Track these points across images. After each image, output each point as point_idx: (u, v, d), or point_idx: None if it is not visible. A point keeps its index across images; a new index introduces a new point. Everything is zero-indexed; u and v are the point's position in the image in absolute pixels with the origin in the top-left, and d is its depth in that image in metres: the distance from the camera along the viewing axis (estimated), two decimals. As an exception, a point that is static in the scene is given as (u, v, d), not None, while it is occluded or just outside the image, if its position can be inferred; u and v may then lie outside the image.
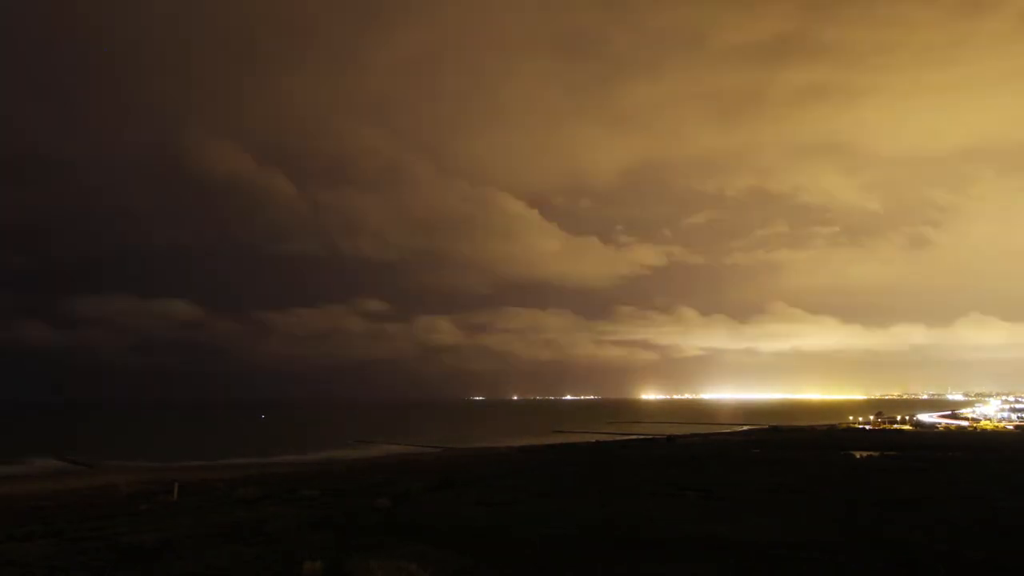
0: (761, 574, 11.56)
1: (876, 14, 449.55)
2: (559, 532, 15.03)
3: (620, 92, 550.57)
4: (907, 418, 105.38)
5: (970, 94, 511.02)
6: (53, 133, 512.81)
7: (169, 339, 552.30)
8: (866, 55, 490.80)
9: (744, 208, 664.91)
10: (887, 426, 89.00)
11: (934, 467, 30.71)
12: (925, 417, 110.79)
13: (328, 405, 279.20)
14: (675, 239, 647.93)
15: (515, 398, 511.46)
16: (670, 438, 63.41)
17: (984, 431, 76.97)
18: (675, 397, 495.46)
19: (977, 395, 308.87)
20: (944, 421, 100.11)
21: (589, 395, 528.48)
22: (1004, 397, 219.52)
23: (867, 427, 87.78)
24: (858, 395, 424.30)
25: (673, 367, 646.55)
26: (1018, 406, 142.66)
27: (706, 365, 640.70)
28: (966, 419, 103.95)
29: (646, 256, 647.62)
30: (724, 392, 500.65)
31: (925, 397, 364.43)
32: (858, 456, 38.12)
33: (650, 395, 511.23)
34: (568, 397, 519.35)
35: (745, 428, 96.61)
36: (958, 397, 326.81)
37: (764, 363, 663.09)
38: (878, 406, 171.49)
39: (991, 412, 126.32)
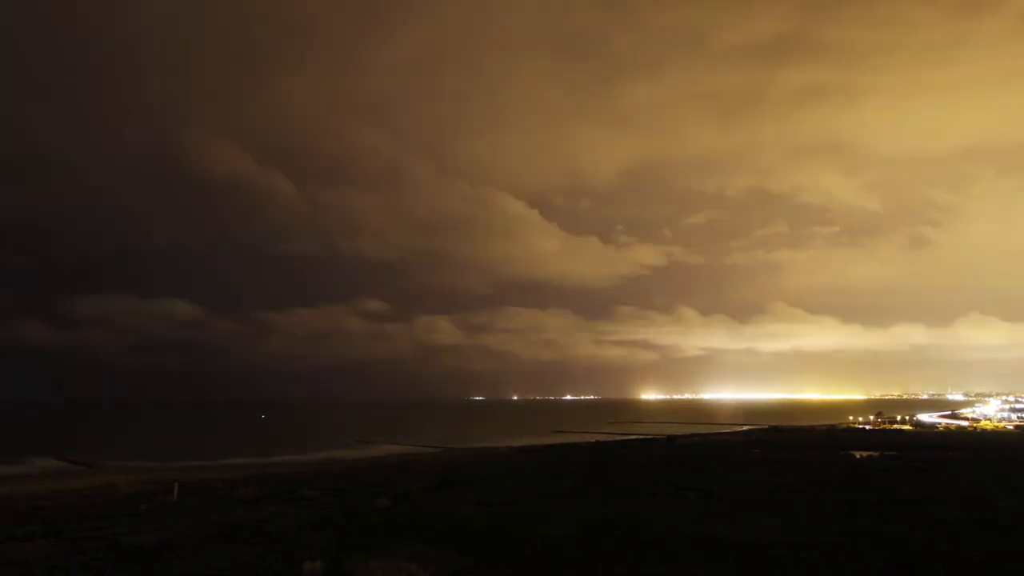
0: (761, 574, 11.56)
1: (876, 14, 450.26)
2: (559, 532, 15.03)
3: (620, 92, 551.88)
4: (907, 418, 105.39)
5: (970, 94, 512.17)
6: (53, 133, 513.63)
7: (169, 339, 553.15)
8: (866, 55, 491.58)
9: (744, 208, 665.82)
10: (887, 426, 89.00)
11: (934, 467, 30.71)
12: (925, 417, 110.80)
13: (328, 405, 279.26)
14: (675, 239, 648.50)
15: (515, 398, 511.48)
16: (670, 438, 63.41)
17: (984, 431, 76.97)
18: (675, 397, 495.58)
19: (977, 395, 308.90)
20: (944, 421, 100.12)
21: (589, 395, 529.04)
22: (1004, 397, 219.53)
23: (867, 427, 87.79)
24: (858, 395, 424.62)
25: (673, 367, 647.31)
26: (1018, 406, 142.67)
27: (706, 365, 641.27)
28: (966, 419, 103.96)
29: (646, 256, 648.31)
30: (724, 392, 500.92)
31: (925, 397, 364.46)
32: (858, 456, 38.12)
33: (650, 395, 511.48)
34: (568, 397, 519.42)
35: (745, 428, 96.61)
36: (958, 397, 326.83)
37: (764, 363, 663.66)
38: (878, 406, 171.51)
39: (991, 412, 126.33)
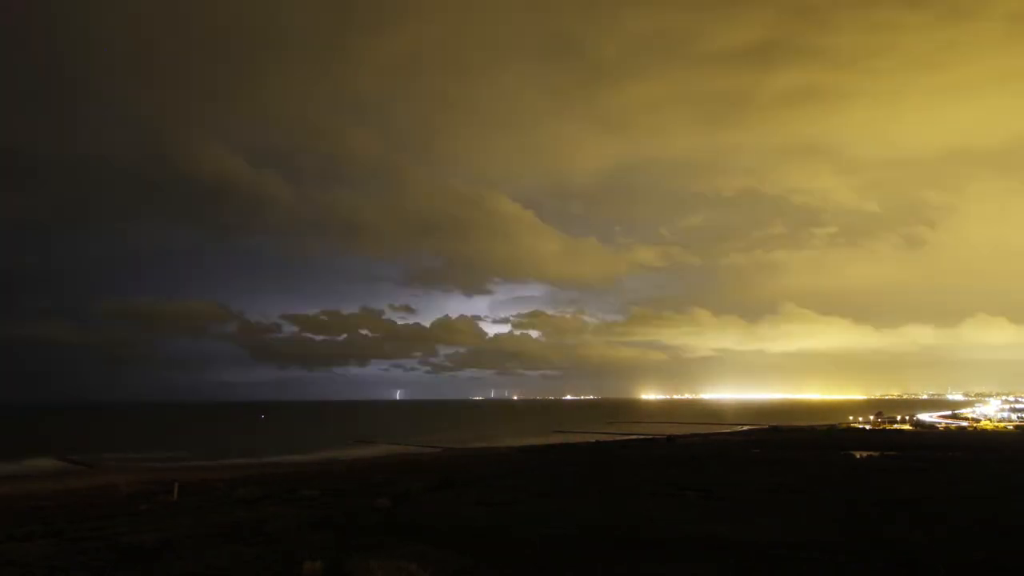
0: (761, 574, 11.56)
1: (865, 19, 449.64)
2: (559, 532, 15.04)
3: (606, 94, 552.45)
4: (907, 418, 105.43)
5: (960, 96, 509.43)
6: (51, 133, 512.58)
7: (169, 339, 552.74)
8: (856, 59, 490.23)
9: (739, 209, 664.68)
10: (887, 426, 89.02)
11: (934, 467, 30.72)
12: (925, 417, 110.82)
13: (329, 405, 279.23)
14: (674, 239, 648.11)
15: (515, 398, 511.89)
16: (670, 438, 63.39)
17: (984, 431, 76.97)
18: (675, 397, 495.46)
19: (977, 395, 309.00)
20: (944, 421, 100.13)
21: (589, 395, 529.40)
22: (1004, 397, 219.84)
23: (867, 427, 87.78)
24: (858, 395, 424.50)
25: (675, 368, 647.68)
26: (1018, 406, 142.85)
27: (711, 366, 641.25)
28: (966, 419, 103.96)
29: (647, 257, 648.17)
30: (724, 392, 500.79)
31: (925, 397, 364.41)
32: (858, 456, 38.12)
33: (650, 395, 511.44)
34: (568, 397, 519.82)
35: (745, 428, 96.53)
36: (958, 397, 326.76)
37: (766, 364, 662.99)
38: (878, 406, 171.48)
39: (991, 412, 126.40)
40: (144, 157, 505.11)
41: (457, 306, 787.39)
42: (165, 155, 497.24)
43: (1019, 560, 12.58)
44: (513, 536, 14.65)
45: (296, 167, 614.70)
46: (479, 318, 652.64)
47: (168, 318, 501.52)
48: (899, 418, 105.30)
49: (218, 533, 15.32)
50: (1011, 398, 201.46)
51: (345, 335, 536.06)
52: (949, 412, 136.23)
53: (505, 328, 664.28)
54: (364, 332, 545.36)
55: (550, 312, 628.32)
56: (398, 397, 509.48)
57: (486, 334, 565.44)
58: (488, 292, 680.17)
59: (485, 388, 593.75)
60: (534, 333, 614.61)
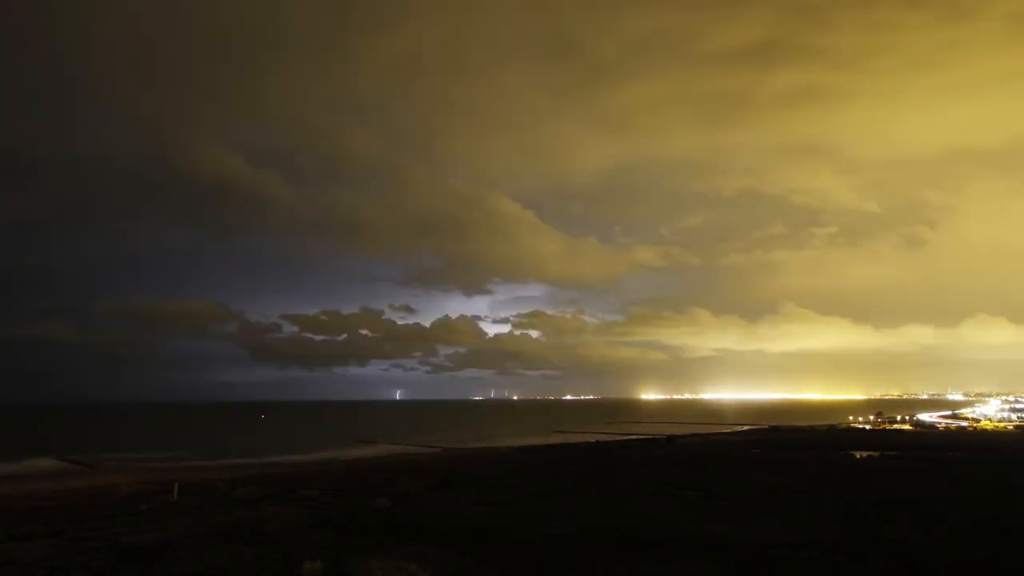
0: (761, 574, 11.56)
1: (864, 19, 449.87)
2: (559, 532, 15.04)
3: (606, 95, 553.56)
4: (907, 418, 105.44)
5: (959, 96, 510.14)
6: (51, 133, 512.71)
7: (169, 339, 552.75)
8: (856, 59, 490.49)
9: (739, 209, 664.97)
10: (887, 426, 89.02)
11: (934, 467, 30.72)
12: (925, 417, 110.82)
13: (329, 405, 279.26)
14: (674, 239, 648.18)
15: (515, 398, 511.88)
16: (670, 438, 63.39)
17: (984, 431, 76.97)
18: (675, 397, 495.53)
19: (977, 395, 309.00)
20: (944, 421, 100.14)
21: (589, 395, 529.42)
22: (1004, 397, 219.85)
23: (867, 427, 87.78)
24: (858, 395, 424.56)
25: (675, 368, 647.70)
26: (1018, 406, 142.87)
27: (706, 365, 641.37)
28: (966, 419, 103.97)
29: (647, 257, 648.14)
30: (724, 392, 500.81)
31: (925, 397, 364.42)
32: (858, 456, 38.12)
33: (650, 395, 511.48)
34: (568, 397, 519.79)
35: (745, 428, 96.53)
36: (958, 397, 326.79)
37: (766, 364, 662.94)
38: (878, 406, 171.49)
39: (991, 412, 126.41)
40: (144, 157, 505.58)
41: (457, 306, 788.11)
42: (165, 155, 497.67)
43: (1019, 560, 12.58)
44: (513, 536, 14.65)
45: (296, 167, 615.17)
46: (479, 318, 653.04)
47: (168, 318, 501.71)
48: (899, 418, 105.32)
49: (218, 533, 15.32)
50: (1011, 398, 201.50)
51: (345, 335, 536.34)
52: (949, 412, 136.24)
53: (505, 328, 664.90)
54: (364, 332, 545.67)
55: (550, 312, 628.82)
56: (398, 397, 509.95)
57: (486, 334, 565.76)
58: (488, 292, 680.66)
59: (485, 388, 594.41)
60: (534, 333, 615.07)
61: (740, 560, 12.37)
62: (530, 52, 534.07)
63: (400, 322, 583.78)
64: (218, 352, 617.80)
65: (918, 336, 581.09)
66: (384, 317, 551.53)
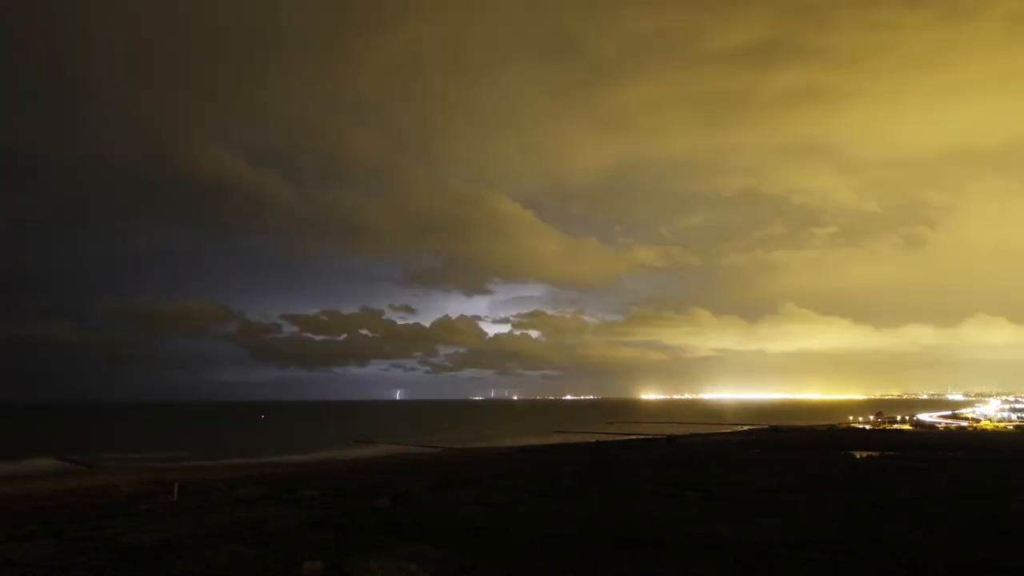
0: (761, 574, 11.56)
1: (864, 20, 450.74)
2: (559, 532, 15.04)
3: (605, 94, 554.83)
4: (907, 418, 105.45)
5: (959, 96, 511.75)
6: (51, 133, 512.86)
7: (169, 339, 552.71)
8: (856, 59, 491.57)
9: (739, 209, 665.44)
10: (887, 426, 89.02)
11: (934, 467, 30.72)
12: (925, 417, 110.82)
13: (329, 405, 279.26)
14: (674, 239, 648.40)
15: (515, 398, 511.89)
16: (670, 438, 63.39)
17: (984, 431, 76.96)
18: (675, 397, 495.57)
19: (977, 395, 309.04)
20: (944, 421, 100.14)
21: (589, 395, 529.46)
22: (1004, 397, 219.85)
23: (867, 427, 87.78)
24: (858, 395, 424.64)
25: (675, 368, 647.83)
26: (1018, 406, 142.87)
27: (707, 365, 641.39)
28: (966, 419, 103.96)
29: (647, 257, 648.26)
30: (724, 392, 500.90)
31: (925, 397, 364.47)
32: (858, 456, 38.12)
33: (650, 395, 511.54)
34: (568, 397, 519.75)
35: (745, 428, 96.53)
36: (958, 397, 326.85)
37: (766, 364, 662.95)
38: (878, 406, 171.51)
39: (991, 412, 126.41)
40: (144, 157, 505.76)
41: (457, 306, 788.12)
42: (165, 155, 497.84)
43: (1019, 560, 12.58)
44: (513, 536, 14.65)
45: (296, 167, 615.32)
46: (479, 318, 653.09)
47: (168, 318, 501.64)
48: (899, 418, 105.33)
49: (218, 533, 15.32)
50: (1011, 398, 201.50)
51: (345, 335, 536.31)
52: (949, 412, 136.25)
53: (505, 328, 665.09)
54: (364, 332, 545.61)
55: (550, 312, 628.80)
56: (398, 397, 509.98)
57: (486, 334, 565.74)
58: (488, 292, 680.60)
59: (485, 388, 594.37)
60: (534, 333, 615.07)
61: (740, 560, 12.37)
62: (530, 52, 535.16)
63: (400, 322, 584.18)
64: (218, 352, 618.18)
65: (918, 336, 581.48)
66: (384, 317, 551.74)
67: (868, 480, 26.08)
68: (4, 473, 45.27)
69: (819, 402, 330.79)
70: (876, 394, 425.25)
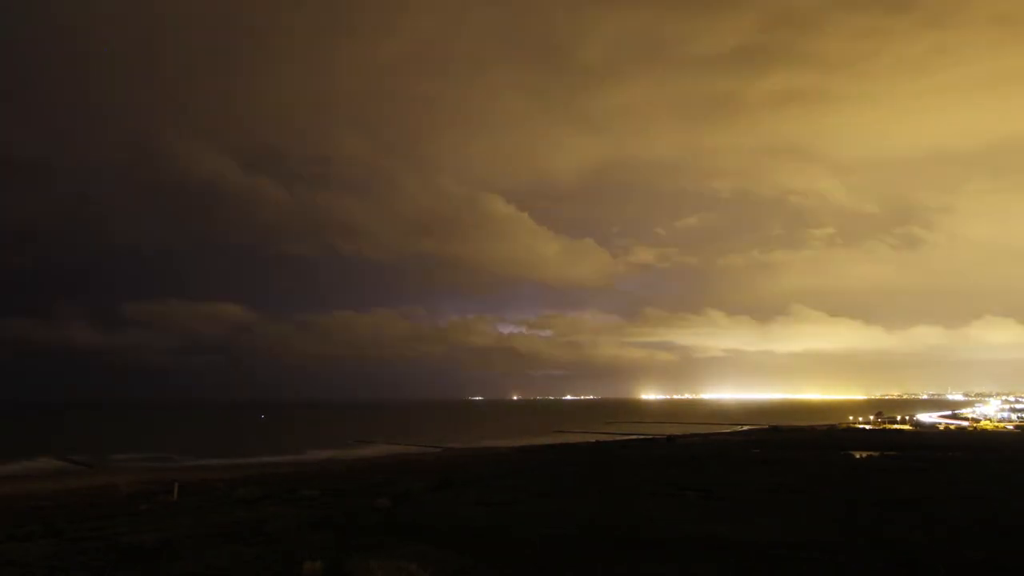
0: (761, 574, 11.55)
1: (851, 25, 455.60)
2: (559, 532, 15.03)
3: (593, 96, 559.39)
4: (907, 418, 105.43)
5: (946, 100, 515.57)
6: (52, 135, 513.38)
7: (168, 340, 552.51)
8: (845, 64, 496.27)
9: (735, 210, 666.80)
10: (887, 426, 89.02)
11: (934, 467, 30.71)
12: (925, 417, 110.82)
13: (329, 405, 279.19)
14: (671, 240, 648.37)
15: (515, 398, 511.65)
16: (670, 438, 63.37)
17: (984, 431, 76.94)
18: (675, 397, 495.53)
19: (977, 395, 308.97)
20: (944, 421, 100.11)
21: (588, 395, 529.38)
22: (1004, 397, 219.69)
23: (867, 427, 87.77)
24: (858, 395, 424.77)
25: (676, 368, 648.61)
26: (1018, 406, 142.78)
27: (707, 366, 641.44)
28: (966, 419, 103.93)
29: (645, 258, 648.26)
30: (724, 392, 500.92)
31: (925, 397, 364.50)
32: (858, 456, 38.11)
33: (650, 395, 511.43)
34: (568, 397, 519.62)
35: (745, 428, 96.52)
36: (958, 397, 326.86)
37: (765, 364, 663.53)
38: (878, 406, 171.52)
39: (991, 412, 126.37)
40: (143, 157, 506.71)
41: (457, 307, 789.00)
42: (163, 156, 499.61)
43: (1019, 560, 12.57)
44: (513, 536, 14.64)
45: (292, 170, 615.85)
46: (479, 319, 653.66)
47: (167, 318, 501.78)
48: (899, 418, 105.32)
49: (218, 533, 15.31)
50: (1011, 398, 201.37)
51: (344, 335, 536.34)
52: (949, 412, 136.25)
53: (505, 329, 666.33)
54: (363, 332, 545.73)
55: (550, 313, 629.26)
56: (400, 397, 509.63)
57: (486, 335, 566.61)
58: (488, 293, 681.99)
59: (485, 388, 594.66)
60: (534, 333, 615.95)
61: (740, 560, 12.36)
62: (517, 55, 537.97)
63: (400, 322, 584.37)
64: (218, 352, 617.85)
65: (919, 337, 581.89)
66: (384, 318, 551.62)
67: (868, 480, 26.07)
68: (4, 473, 45.28)
69: (819, 402, 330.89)
70: (876, 394, 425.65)
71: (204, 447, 70.07)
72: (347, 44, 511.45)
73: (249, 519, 17.41)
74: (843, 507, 18.77)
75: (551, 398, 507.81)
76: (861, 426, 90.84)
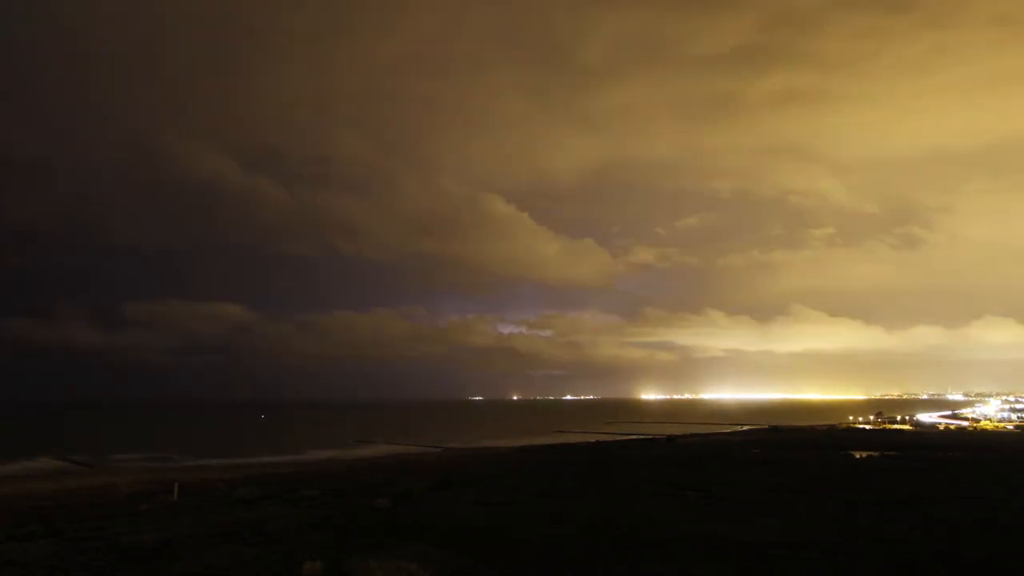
0: (761, 574, 11.55)
1: (851, 26, 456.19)
2: (559, 532, 15.02)
3: (592, 96, 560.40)
4: (907, 418, 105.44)
5: (946, 100, 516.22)
6: (51, 135, 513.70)
7: (168, 340, 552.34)
8: (846, 63, 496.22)
9: (735, 210, 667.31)
10: (887, 426, 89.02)
11: (934, 467, 30.70)
12: (925, 417, 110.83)
13: (329, 405, 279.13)
14: (671, 240, 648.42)
15: (515, 398, 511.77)
16: (670, 438, 63.37)
17: (984, 431, 76.93)
18: (675, 397, 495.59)
19: (977, 395, 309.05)
20: (944, 421, 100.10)
21: (588, 395, 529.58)
22: (1004, 397, 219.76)
23: (867, 427, 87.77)
24: (858, 395, 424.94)
25: (677, 369, 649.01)
26: (1018, 406, 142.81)
27: (707, 366, 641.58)
28: (966, 419, 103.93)
29: (645, 258, 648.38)
30: (724, 392, 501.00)
31: (925, 397, 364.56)
32: (858, 456, 38.10)
33: (650, 395, 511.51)
34: (568, 397, 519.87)
35: (745, 428, 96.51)
36: (958, 397, 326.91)
37: (765, 364, 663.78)
38: (878, 406, 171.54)
39: (991, 412, 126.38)
40: (143, 157, 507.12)
41: (457, 307, 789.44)
42: (163, 156, 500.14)
43: (1019, 560, 12.57)
44: (513, 536, 14.64)
45: (292, 170, 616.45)
46: (479, 318, 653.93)
47: (167, 318, 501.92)
48: (899, 418, 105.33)
49: (218, 533, 15.31)
50: (1011, 398, 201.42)
51: (344, 335, 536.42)
52: (949, 412, 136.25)
53: (505, 329, 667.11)
54: (363, 333, 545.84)
55: (550, 313, 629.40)
56: (400, 397, 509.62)
57: (486, 335, 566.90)
58: (488, 293, 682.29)
59: (485, 388, 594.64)
60: (534, 333, 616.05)
61: (740, 560, 12.36)
62: (517, 55, 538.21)
63: (400, 323, 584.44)
64: (218, 352, 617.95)
65: (920, 337, 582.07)
66: (384, 318, 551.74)
67: (868, 480, 26.06)
68: (4, 473, 45.28)
69: (819, 402, 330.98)
70: (876, 394, 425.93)
71: (204, 447, 70.06)
72: (347, 44, 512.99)
73: (249, 519, 17.41)
74: (843, 507, 18.77)
75: (551, 398, 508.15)
76: (861, 426, 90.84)
